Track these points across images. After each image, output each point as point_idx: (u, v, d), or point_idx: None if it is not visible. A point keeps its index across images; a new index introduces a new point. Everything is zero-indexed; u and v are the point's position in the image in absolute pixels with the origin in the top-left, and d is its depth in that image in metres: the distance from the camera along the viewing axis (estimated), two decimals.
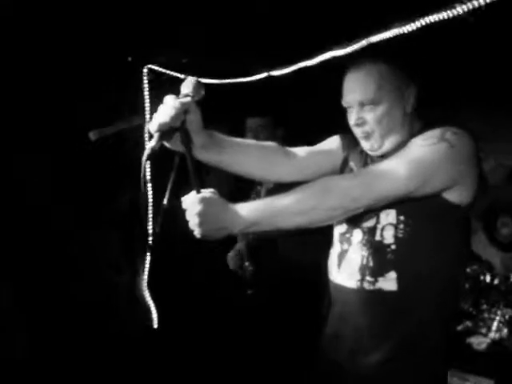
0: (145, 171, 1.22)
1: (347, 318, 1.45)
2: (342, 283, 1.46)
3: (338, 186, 1.26)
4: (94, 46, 2.92)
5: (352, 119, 1.46)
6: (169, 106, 1.23)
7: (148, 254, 3.11)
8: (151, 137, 1.22)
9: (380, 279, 1.37)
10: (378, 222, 1.40)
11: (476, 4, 1.96)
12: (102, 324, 3.13)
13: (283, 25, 2.74)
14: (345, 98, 1.47)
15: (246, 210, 1.23)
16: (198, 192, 1.22)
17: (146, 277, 3.16)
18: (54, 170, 2.99)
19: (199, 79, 1.34)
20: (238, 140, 1.50)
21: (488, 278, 2.34)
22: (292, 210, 1.23)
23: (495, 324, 2.23)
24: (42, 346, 2.79)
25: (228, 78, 3.10)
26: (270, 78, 3.05)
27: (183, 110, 1.24)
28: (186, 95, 1.28)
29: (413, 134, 1.41)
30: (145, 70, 3.00)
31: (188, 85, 1.31)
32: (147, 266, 3.14)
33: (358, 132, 1.47)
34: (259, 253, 2.71)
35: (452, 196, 1.32)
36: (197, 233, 1.22)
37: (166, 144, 1.30)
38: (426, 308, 1.36)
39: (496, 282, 2.32)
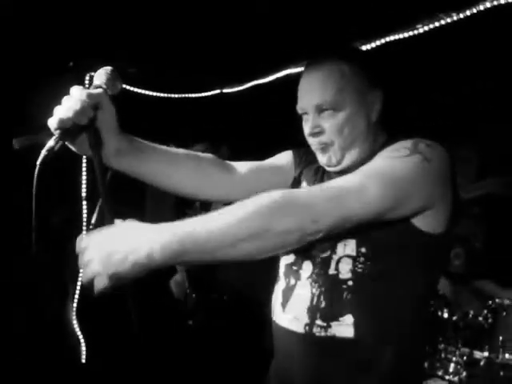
0: (38, 179, 0.93)
1: (293, 370, 1.18)
2: (286, 326, 1.19)
3: (297, 202, 0.95)
4: (36, 50, 2.68)
5: (307, 127, 1.20)
6: (74, 99, 0.97)
7: (79, 279, 2.81)
8: (51, 135, 0.95)
9: (333, 324, 1.11)
10: (333, 252, 1.15)
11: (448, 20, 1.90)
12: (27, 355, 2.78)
13: (237, 41, 2.60)
14: (300, 103, 1.21)
15: (169, 234, 0.87)
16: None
17: (75, 305, 2.84)
18: None
19: (114, 69, 1.07)
20: (165, 147, 1.21)
21: (446, 314, 2.20)
22: (232, 234, 0.89)
23: (452, 366, 2.08)
24: None
25: (176, 93, 2.93)
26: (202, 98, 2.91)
27: (92, 105, 0.99)
28: (98, 87, 1.03)
29: (377, 148, 1.18)
30: (87, 78, 2.77)
31: (101, 75, 1.06)
32: (77, 293, 2.83)
33: (313, 143, 1.21)
34: (201, 281, 2.50)
35: (423, 222, 1.09)
36: (92, 272, 0.86)
37: (70, 146, 1.05)
38: (389, 359, 1.11)
39: (454, 318, 2.18)
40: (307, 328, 1.14)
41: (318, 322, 1.13)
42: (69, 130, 0.96)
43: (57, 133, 0.96)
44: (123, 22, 2.53)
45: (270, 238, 0.92)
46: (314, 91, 1.17)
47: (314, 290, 1.15)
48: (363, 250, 1.12)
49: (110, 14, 2.44)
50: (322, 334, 1.12)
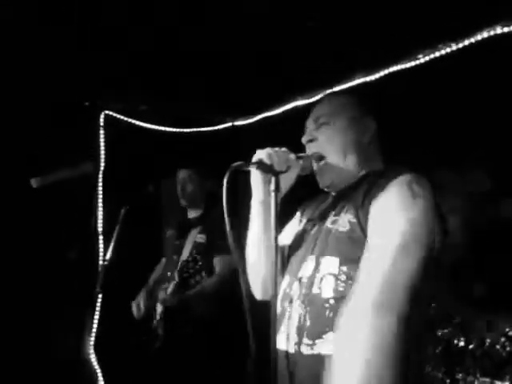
0: (227, 187, 1.16)
1: None
2: (280, 347, 1.24)
3: None
4: (51, 89, 2.80)
5: (304, 137, 1.40)
6: (286, 152, 1.29)
7: (96, 313, 2.85)
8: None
9: (318, 342, 1.17)
10: (317, 270, 1.24)
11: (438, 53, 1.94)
12: None
13: (246, 74, 2.67)
14: (306, 122, 1.43)
15: None
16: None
17: (92, 339, 2.87)
18: None
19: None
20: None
21: (462, 342, 2.16)
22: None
23: None
24: None
25: (188, 127, 3.01)
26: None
27: (288, 166, 1.28)
28: (303, 164, 1.33)
29: (370, 173, 1.33)
30: (102, 116, 2.87)
31: (307, 164, 1.35)
32: (95, 326, 2.86)
33: (309, 152, 1.40)
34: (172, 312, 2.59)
35: None
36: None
37: (256, 173, 1.31)
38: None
39: (471, 346, 2.13)
40: (296, 347, 1.20)
41: (305, 340, 1.19)
42: (265, 165, 1.24)
43: (258, 160, 1.25)
44: (135, 61, 2.64)
45: None
46: (315, 109, 1.42)
47: (301, 310, 1.23)
48: (345, 269, 1.20)
49: (121, 54, 2.55)
50: (309, 351, 1.18)
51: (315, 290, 1.21)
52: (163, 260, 2.92)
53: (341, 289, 1.18)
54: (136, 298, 2.75)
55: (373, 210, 1.20)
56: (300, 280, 1.26)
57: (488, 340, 2.12)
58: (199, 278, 2.61)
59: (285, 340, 1.24)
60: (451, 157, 2.36)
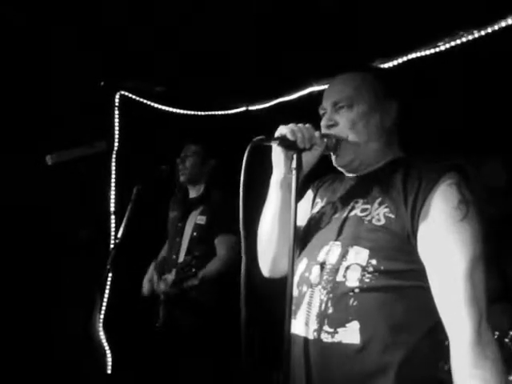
0: (247, 161, 1.13)
1: (304, 375, 1.19)
2: (297, 332, 1.21)
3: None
4: (67, 69, 2.81)
5: (323, 121, 1.32)
6: (311, 130, 1.23)
7: (106, 291, 2.88)
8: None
9: (340, 330, 1.14)
10: (344, 258, 1.19)
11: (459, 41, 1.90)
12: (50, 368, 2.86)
13: (261, 58, 2.65)
14: (322, 104, 1.35)
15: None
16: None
17: (102, 316, 2.91)
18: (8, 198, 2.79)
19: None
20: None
21: None
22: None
23: None
24: None
25: (203, 110, 3.00)
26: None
27: (312, 144, 1.22)
28: (328, 143, 1.27)
29: (398, 161, 1.29)
30: (117, 96, 2.88)
31: (332, 143, 1.28)
32: (104, 304, 2.90)
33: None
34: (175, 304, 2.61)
35: None
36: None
37: (278, 149, 1.25)
38: (397, 366, 1.10)
39: None
40: (315, 334, 1.17)
41: (326, 327, 1.16)
42: (288, 141, 1.19)
43: (281, 135, 1.20)
44: (151, 42, 2.64)
45: None
46: (334, 90, 1.33)
47: (322, 297, 1.19)
48: (374, 262, 1.16)
49: (138, 35, 2.55)
50: (329, 339, 1.15)
51: (340, 278, 1.17)
52: (166, 246, 2.90)
53: (366, 280, 1.15)
54: (147, 273, 2.77)
55: (425, 226, 1.15)
56: (322, 265, 1.22)
57: (496, 333, 2.10)
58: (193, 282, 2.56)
59: (303, 325, 1.20)
60: (467, 149, 2.32)
